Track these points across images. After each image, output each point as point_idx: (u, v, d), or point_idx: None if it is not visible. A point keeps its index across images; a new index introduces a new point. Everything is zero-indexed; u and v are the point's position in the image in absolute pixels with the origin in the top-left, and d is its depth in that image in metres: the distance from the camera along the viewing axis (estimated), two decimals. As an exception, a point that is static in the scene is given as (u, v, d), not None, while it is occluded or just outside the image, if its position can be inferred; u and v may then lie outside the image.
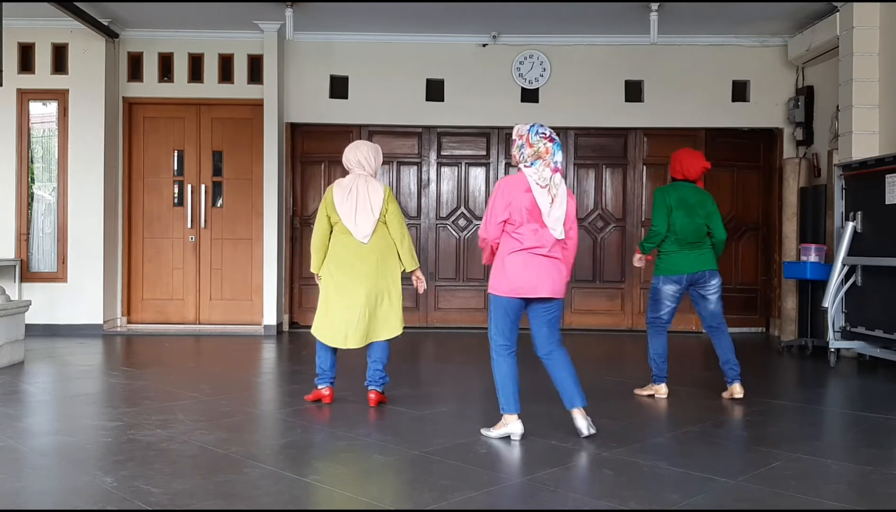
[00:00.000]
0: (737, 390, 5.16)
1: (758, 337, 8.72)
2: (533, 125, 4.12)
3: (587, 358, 7.45)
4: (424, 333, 8.70)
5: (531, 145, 4.06)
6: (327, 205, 4.82)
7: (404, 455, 3.83)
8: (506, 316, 4.15)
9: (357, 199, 4.78)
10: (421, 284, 5.12)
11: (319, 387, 4.97)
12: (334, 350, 4.95)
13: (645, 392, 5.32)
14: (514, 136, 4.16)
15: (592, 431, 4.11)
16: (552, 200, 4.04)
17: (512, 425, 4.10)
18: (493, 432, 4.15)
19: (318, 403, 4.96)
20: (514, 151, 4.15)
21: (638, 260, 5.37)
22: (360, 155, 4.88)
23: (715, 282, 5.20)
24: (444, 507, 3.11)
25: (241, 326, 8.70)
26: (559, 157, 4.09)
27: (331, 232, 4.89)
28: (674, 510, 3.09)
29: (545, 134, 4.08)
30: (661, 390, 5.26)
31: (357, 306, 4.82)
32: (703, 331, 5.33)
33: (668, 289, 5.19)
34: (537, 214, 4.04)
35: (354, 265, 4.81)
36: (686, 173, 5.26)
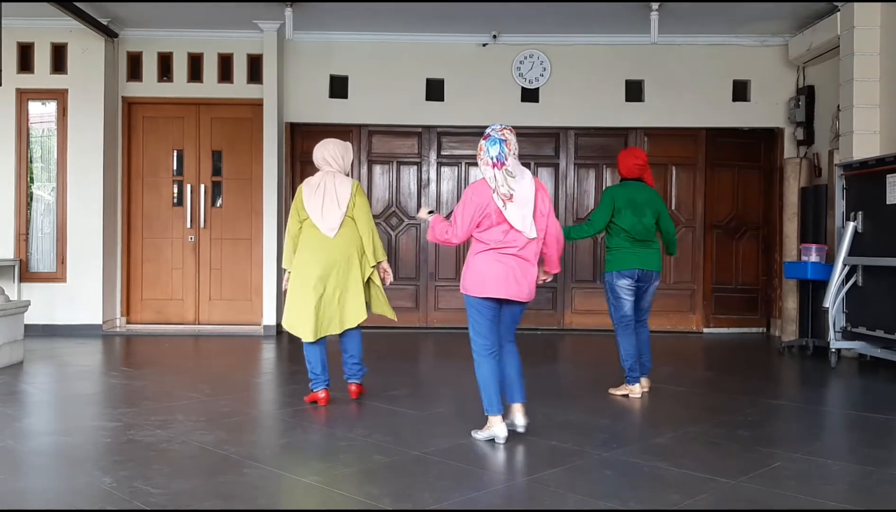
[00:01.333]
0: (644, 384, 5.30)
1: (758, 337, 8.72)
2: (494, 126, 4.10)
3: (588, 358, 7.45)
4: (424, 333, 8.69)
5: (481, 149, 4.07)
6: (297, 202, 4.91)
7: (404, 455, 3.82)
8: (481, 315, 4.08)
9: (325, 194, 4.86)
10: (388, 275, 5.12)
11: (315, 390, 4.96)
12: (322, 351, 4.95)
13: (619, 392, 5.31)
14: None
15: (525, 427, 4.12)
16: (504, 203, 3.96)
17: (496, 427, 4.04)
18: (480, 434, 4.12)
19: (315, 404, 4.95)
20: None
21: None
22: (326, 153, 4.96)
23: (657, 282, 5.40)
24: (444, 507, 3.10)
25: (241, 326, 8.69)
26: (494, 151, 4.00)
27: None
28: (674, 510, 3.08)
29: (486, 134, 4.07)
30: (636, 390, 5.24)
31: (324, 297, 4.85)
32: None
33: (624, 283, 5.24)
34: (502, 217, 4.00)
35: (320, 258, 4.83)
36: (624, 172, 5.40)
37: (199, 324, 8.76)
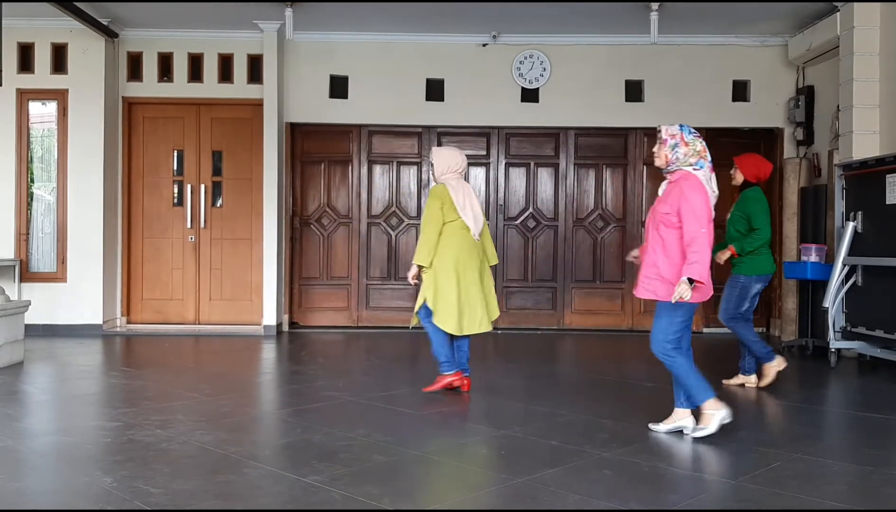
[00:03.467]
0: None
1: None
2: (682, 125, 4.13)
3: (588, 358, 7.45)
4: (424, 333, 8.67)
5: (686, 144, 4.05)
6: (446, 204, 5.20)
7: (404, 455, 3.82)
8: (690, 318, 4.20)
9: (471, 199, 5.31)
10: None
11: (447, 373, 5.28)
12: (451, 338, 5.31)
13: (767, 381, 5.54)
14: (664, 135, 4.08)
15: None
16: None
17: (719, 412, 4.12)
18: (704, 430, 4.13)
19: (454, 390, 5.30)
20: (666, 151, 4.07)
21: (723, 258, 5.46)
22: (453, 162, 5.33)
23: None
24: (444, 507, 3.10)
25: (241, 326, 8.69)
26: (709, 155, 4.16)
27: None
28: (674, 510, 3.08)
29: (697, 133, 4.12)
30: (775, 366, 5.56)
31: (480, 295, 5.31)
32: (727, 325, 5.62)
33: (757, 287, 5.45)
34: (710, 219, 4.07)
35: (474, 259, 5.29)
36: (761, 177, 5.53)
37: (199, 324, 8.76)
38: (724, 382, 5.68)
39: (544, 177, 9.01)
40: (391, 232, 9.02)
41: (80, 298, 8.24)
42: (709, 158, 4.10)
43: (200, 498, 3.18)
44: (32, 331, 7.54)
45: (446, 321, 5.20)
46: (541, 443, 4.06)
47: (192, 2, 7.60)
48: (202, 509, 3.05)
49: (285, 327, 8.84)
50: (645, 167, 8.99)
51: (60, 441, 4.14)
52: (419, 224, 8.95)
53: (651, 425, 4.35)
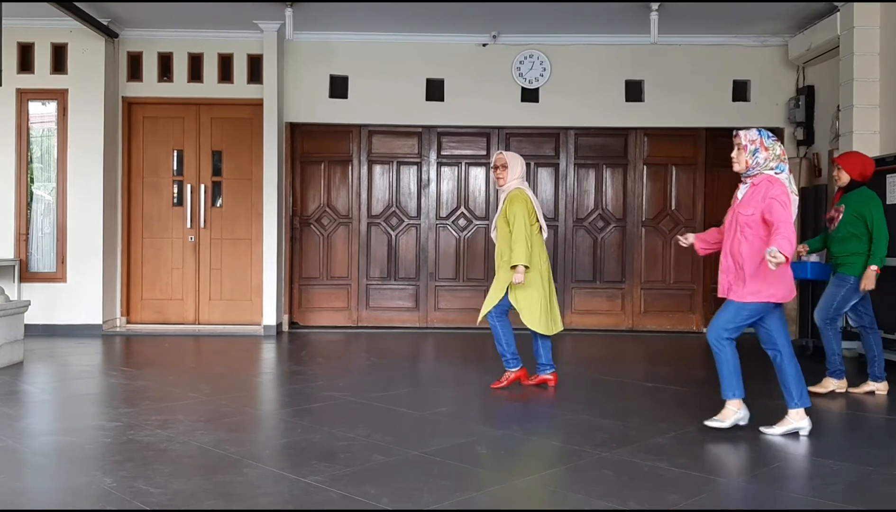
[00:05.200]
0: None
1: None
2: (760, 129, 4.18)
3: (588, 358, 7.45)
4: (424, 333, 8.69)
5: (766, 149, 4.12)
6: (530, 208, 5.42)
7: (404, 455, 3.82)
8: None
9: (537, 204, 5.55)
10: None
11: (515, 369, 5.49)
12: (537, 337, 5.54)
13: (821, 390, 5.45)
14: (743, 141, 4.15)
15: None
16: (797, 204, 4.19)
17: (800, 421, 4.25)
18: (777, 429, 4.23)
19: (518, 384, 5.51)
20: (746, 156, 4.14)
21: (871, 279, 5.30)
22: (523, 168, 5.59)
23: None
24: (444, 507, 3.10)
25: (241, 326, 8.69)
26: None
27: None
28: (674, 510, 3.08)
29: (775, 137, 4.18)
30: (843, 384, 5.50)
31: (555, 295, 5.60)
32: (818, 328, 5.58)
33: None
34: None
35: (548, 261, 5.56)
36: (867, 174, 5.37)
37: (199, 324, 8.76)
38: (851, 390, 5.52)
39: (544, 177, 9.01)
40: (391, 232, 9.02)
41: (80, 297, 8.24)
42: (787, 161, 4.19)
43: (200, 498, 3.18)
44: (32, 331, 7.54)
45: (539, 322, 5.40)
46: (541, 443, 4.06)
47: (192, 2, 7.60)
48: (202, 509, 3.04)
49: (285, 327, 8.84)
50: (645, 167, 8.99)
51: (60, 441, 4.14)
52: (419, 224, 9.00)
53: (763, 429, 4.29)
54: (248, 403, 5.27)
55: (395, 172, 9.02)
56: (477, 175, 9.03)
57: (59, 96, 8.29)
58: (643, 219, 8.96)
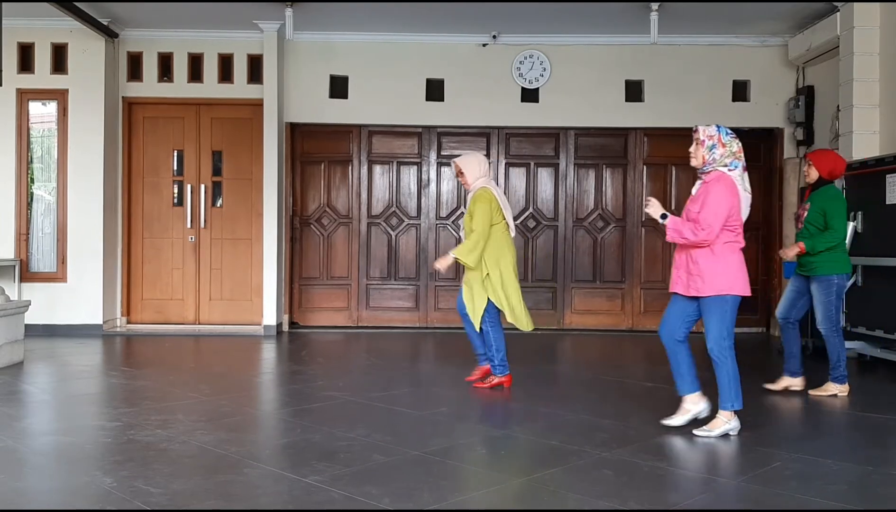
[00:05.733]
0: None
1: (758, 337, 8.72)
2: (719, 126, 4.19)
3: (587, 358, 7.45)
4: (424, 333, 8.69)
5: (724, 145, 4.12)
6: (493, 207, 5.35)
7: (404, 455, 3.82)
8: (734, 314, 4.19)
9: (505, 202, 5.50)
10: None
11: (503, 375, 5.49)
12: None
13: (827, 393, 5.40)
14: (701, 137, 4.15)
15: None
16: (748, 206, 4.20)
17: (731, 422, 4.23)
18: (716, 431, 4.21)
19: (501, 387, 5.49)
20: (703, 152, 4.15)
21: (791, 254, 5.36)
22: (484, 166, 5.51)
23: None
24: (444, 507, 3.10)
25: (241, 326, 8.69)
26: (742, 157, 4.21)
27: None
28: (674, 510, 3.08)
29: (734, 134, 4.18)
30: (846, 389, 5.41)
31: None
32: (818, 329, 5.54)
33: (846, 284, 5.36)
34: (740, 218, 4.17)
35: (514, 257, 5.49)
36: (836, 173, 5.37)
37: (199, 324, 8.76)
38: (767, 386, 5.53)
39: (544, 177, 9.01)
40: (391, 232, 9.02)
41: (80, 297, 8.24)
42: (743, 159, 4.19)
43: (200, 498, 3.18)
44: (32, 331, 7.53)
45: (522, 320, 5.48)
46: (541, 443, 4.06)
47: (192, 2, 7.60)
48: (202, 509, 3.05)
49: (285, 327, 8.84)
50: (645, 167, 8.99)
51: (60, 441, 4.14)
52: (419, 224, 8.99)
53: (695, 431, 4.28)
54: (249, 403, 5.27)
55: (395, 172, 9.02)
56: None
57: (60, 96, 8.29)
58: (643, 219, 8.95)
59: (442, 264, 5.47)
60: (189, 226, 8.76)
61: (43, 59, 8.28)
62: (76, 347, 7.40)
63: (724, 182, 4.10)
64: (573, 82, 8.76)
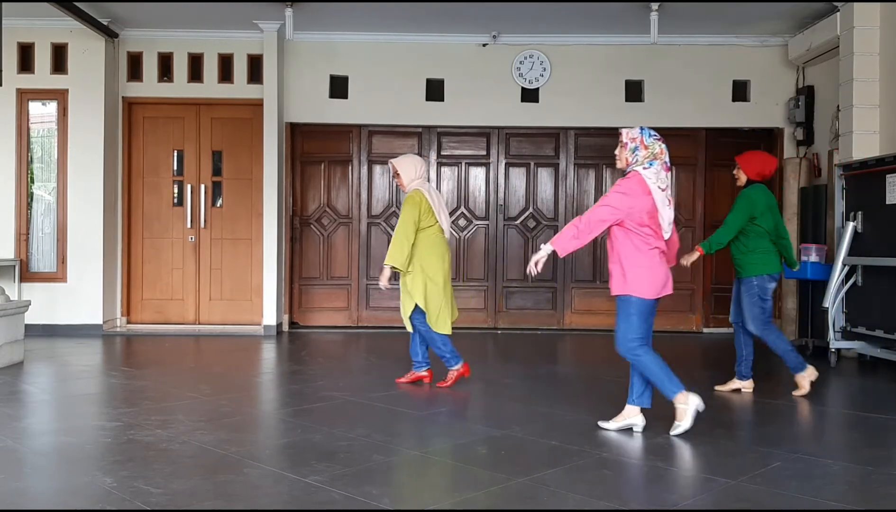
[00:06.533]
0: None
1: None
2: (643, 128, 4.20)
3: (587, 358, 7.45)
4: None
5: (646, 147, 4.13)
6: (424, 209, 5.37)
7: (404, 455, 3.82)
8: (648, 316, 4.16)
9: (440, 202, 5.54)
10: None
11: (457, 366, 5.53)
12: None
13: (802, 392, 5.37)
14: (624, 139, 4.19)
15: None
16: (669, 202, 4.15)
17: (635, 417, 4.30)
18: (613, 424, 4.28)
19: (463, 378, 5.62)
20: (626, 154, 4.18)
21: (690, 259, 5.41)
22: (421, 168, 5.57)
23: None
24: (444, 507, 3.10)
25: (241, 326, 8.69)
26: (667, 156, 4.20)
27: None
28: (674, 510, 3.08)
29: (657, 136, 4.19)
30: (808, 377, 5.40)
31: (452, 296, 5.58)
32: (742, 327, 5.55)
33: (772, 286, 5.35)
34: (656, 217, 4.11)
35: (447, 259, 5.51)
36: (765, 174, 5.42)
37: (199, 324, 8.76)
38: (717, 388, 5.52)
39: (544, 177, 9.01)
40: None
41: (80, 298, 8.24)
42: (665, 159, 4.17)
43: (200, 498, 3.18)
44: (32, 331, 7.54)
45: (445, 324, 5.45)
46: (541, 443, 4.06)
47: (192, 2, 7.60)
48: (202, 509, 3.05)
49: (285, 327, 8.84)
50: (645, 167, 8.98)
51: (60, 441, 4.14)
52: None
53: (601, 423, 4.36)
54: (249, 403, 5.27)
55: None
56: (477, 175, 9.04)
57: (60, 96, 8.29)
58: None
59: (383, 281, 5.44)
60: (189, 226, 8.76)
61: (43, 59, 8.28)
62: (76, 347, 7.40)
63: (631, 180, 4.12)
64: (573, 82, 8.76)
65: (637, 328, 4.15)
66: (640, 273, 4.10)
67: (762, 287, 5.31)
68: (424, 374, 5.67)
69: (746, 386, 5.50)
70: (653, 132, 4.19)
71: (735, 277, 5.54)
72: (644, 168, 4.12)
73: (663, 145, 4.18)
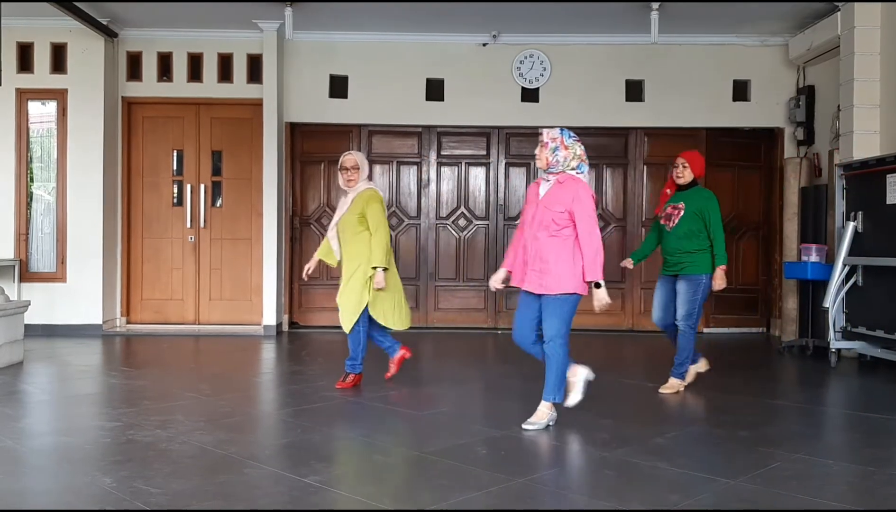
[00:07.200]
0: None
1: (758, 337, 8.72)
2: (563, 129, 4.36)
3: (586, 358, 7.44)
4: (424, 333, 8.68)
5: (566, 148, 4.29)
6: (383, 208, 5.46)
7: (404, 455, 3.82)
8: (574, 311, 4.48)
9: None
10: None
11: (357, 373, 5.51)
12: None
13: (670, 391, 5.40)
14: (545, 139, 4.32)
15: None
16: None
17: (580, 374, 4.60)
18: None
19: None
20: (547, 154, 4.32)
21: (721, 283, 5.37)
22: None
23: None
24: (444, 507, 3.10)
25: (241, 326, 8.69)
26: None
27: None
28: (674, 510, 3.08)
29: (576, 137, 4.36)
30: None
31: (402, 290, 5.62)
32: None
33: (710, 285, 5.36)
34: None
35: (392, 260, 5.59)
36: (702, 174, 5.54)
37: (199, 324, 8.76)
38: (661, 390, 5.44)
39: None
40: (391, 232, 9.00)
41: (80, 298, 8.24)
42: (587, 162, 4.39)
43: (200, 498, 3.18)
44: (32, 331, 7.53)
45: (392, 318, 5.46)
46: (541, 443, 4.06)
47: (191, 1, 7.60)
48: (202, 509, 3.04)
49: (285, 327, 8.84)
50: (645, 167, 8.99)
51: (60, 441, 4.14)
52: (419, 224, 8.99)
53: (524, 425, 4.35)
54: (248, 404, 5.27)
55: (395, 172, 9.02)
56: (477, 175, 9.03)
57: (59, 96, 8.29)
58: (643, 219, 8.95)
59: (380, 282, 5.34)
60: (189, 226, 8.75)
61: (42, 58, 8.27)
62: (76, 347, 7.40)
63: (584, 186, 4.28)
64: (573, 82, 8.76)
65: (570, 323, 4.44)
66: (578, 272, 4.33)
67: (708, 285, 5.33)
68: (401, 352, 5.65)
69: (700, 366, 5.54)
70: (572, 134, 4.34)
71: (661, 274, 5.51)
72: (577, 172, 4.30)
73: (583, 147, 4.36)
